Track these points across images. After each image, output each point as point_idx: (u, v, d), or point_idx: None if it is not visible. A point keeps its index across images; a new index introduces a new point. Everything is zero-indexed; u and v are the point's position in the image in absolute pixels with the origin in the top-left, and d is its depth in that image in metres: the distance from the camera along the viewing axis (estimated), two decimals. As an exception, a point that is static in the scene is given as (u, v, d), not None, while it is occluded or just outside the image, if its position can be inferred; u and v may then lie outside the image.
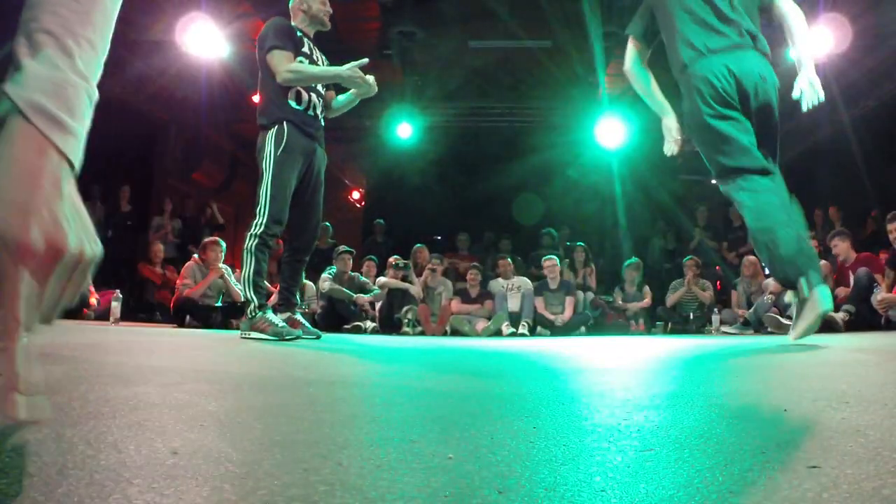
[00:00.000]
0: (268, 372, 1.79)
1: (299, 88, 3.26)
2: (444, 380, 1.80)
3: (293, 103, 3.27)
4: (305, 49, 3.36)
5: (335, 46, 9.17)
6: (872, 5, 6.99)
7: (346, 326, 6.27)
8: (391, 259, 7.20)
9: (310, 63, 3.33)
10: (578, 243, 8.22)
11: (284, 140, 3.17)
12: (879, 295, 4.98)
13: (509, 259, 7.15)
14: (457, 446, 0.82)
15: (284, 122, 3.20)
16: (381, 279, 6.89)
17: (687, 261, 7.39)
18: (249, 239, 3.22)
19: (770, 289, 5.93)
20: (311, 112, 3.33)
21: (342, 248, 6.87)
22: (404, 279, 6.84)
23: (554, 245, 8.46)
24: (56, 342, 2.17)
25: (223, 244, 5.98)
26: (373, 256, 7.61)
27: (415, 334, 6.18)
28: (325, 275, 6.64)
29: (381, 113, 9.81)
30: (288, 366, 2.05)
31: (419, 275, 7.06)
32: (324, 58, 3.51)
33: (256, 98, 3.50)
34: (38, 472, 0.62)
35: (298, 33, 3.37)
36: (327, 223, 9.63)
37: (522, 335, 6.22)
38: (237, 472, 0.66)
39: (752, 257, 7.27)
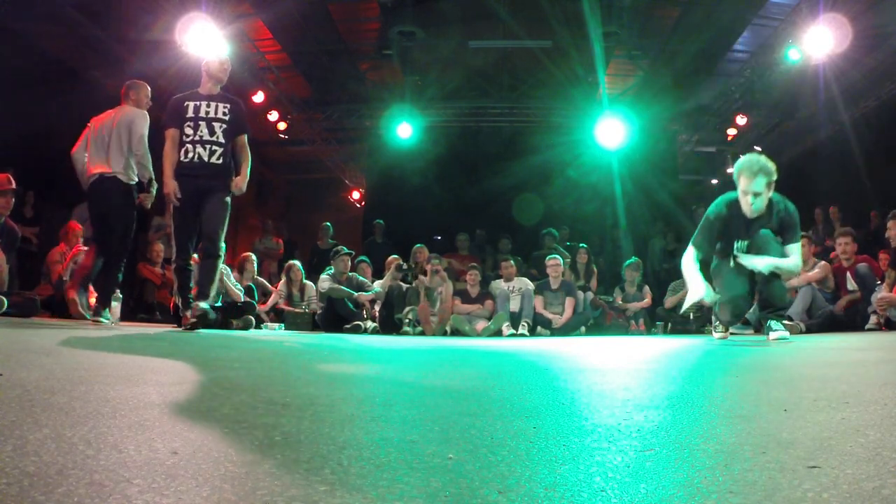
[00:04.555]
0: (268, 372, 1.79)
1: (186, 146, 4.07)
2: (443, 380, 1.80)
3: (181, 158, 4.09)
4: (190, 113, 4.11)
5: (336, 46, 9.20)
6: (872, 5, 6.99)
7: (346, 326, 6.27)
8: (389, 259, 7.19)
9: (196, 122, 4.13)
10: (581, 245, 8.20)
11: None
12: (880, 294, 4.98)
13: (512, 261, 7.14)
14: (457, 446, 0.82)
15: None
16: (380, 281, 6.91)
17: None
18: (173, 264, 4.19)
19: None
20: (196, 161, 4.05)
21: (342, 249, 6.86)
22: (405, 281, 6.84)
23: (556, 245, 8.45)
24: (56, 342, 2.17)
25: (223, 245, 5.97)
26: (364, 257, 7.58)
27: (415, 334, 6.18)
28: (324, 275, 6.63)
29: (381, 113, 9.80)
30: (288, 366, 2.05)
31: (419, 274, 7.06)
32: (220, 106, 4.20)
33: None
34: (38, 472, 0.62)
35: (187, 102, 4.16)
36: (328, 223, 9.62)
37: (522, 335, 6.21)
38: (237, 472, 0.66)
39: (752, 257, 7.25)
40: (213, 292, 4.10)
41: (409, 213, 10.04)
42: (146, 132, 4.66)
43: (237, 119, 4.23)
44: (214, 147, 4.12)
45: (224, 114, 4.19)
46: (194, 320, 3.89)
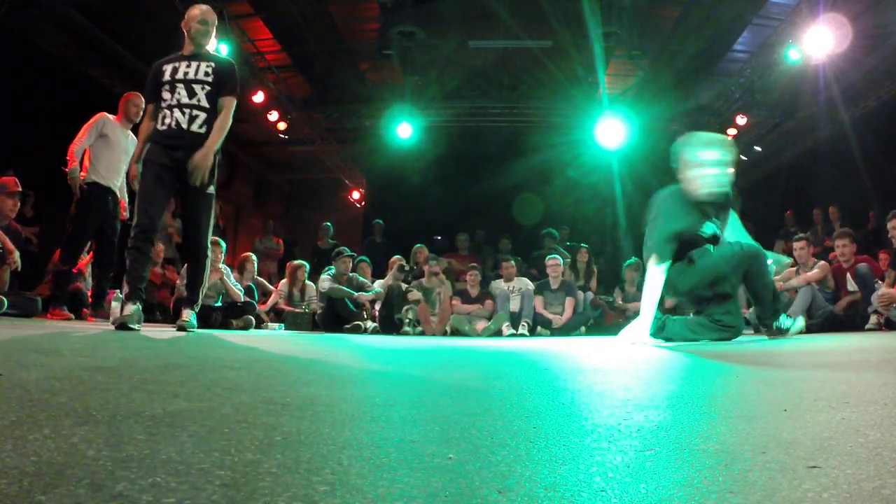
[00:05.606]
0: (268, 372, 1.79)
1: (164, 111, 3.54)
2: (443, 380, 1.80)
3: (158, 125, 3.57)
4: (167, 77, 3.56)
5: (336, 46, 9.20)
6: (872, 5, 6.99)
7: (346, 326, 6.27)
8: (392, 260, 7.20)
9: (172, 85, 3.54)
10: (582, 245, 8.20)
11: (143, 157, 3.61)
12: (880, 291, 4.98)
13: (512, 261, 7.15)
14: (457, 446, 0.82)
15: (148, 143, 3.63)
16: (381, 281, 6.91)
17: (686, 261, 7.37)
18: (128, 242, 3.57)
19: (770, 289, 5.92)
20: (174, 127, 3.50)
21: (343, 250, 6.87)
22: (405, 282, 6.85)
23: (557, 245, 8.45)
24: (56, 342, 2.17)
25: (223, 244, 5.98)
26: (364, 257, 7.60)
27: (415, 334, 6.18)
28: (324, 275, 6.64)
29: (381, 113, 9.81)
30: (288, 366, 2.05)
31: (419, 275, 7.06)
32: (203, 66, 3.58)
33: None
34: (38, 472, 0.62)
35: (165, 66, 3.60)
36: (328, 223, 9.63)
37: (522, 335, 6.21)
38: (238, 471, 0.66)
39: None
40: (201, 296, 3.75)
41: (409, 213, 10.05)
42: (81, 138, 4.75)
43: (223, 80, 3.58)
44: (195, 112, 3.49)
45: (207, 74, 3.54)
46: (176, 328, 3.53)
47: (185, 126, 3.48)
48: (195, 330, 3.56)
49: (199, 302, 3.75)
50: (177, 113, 3.48)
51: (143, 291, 3.45)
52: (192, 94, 3.50)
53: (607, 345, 3.70)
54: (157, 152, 3.50)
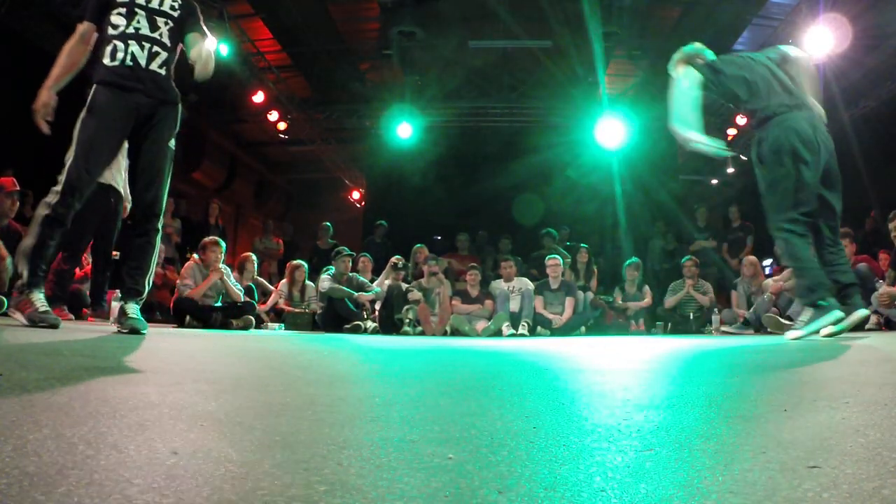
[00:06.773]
0: (267, 372, 1.79)
1: (114, 42, 2.82)
2: (443, 380, 1.80)
3: (106, 60, 2.85)
4: None
5: (336, 46, 9.20)
6: (872, 5, 6.99)
7: (346, 326, 6.27)
8: (393, 259, 7.20)
9: (130, 9, 2.85)
10: (582, 245, 8.20)
11: (89, 101, 2.86)
12: (881, 289, 4.98)
13: (512, 261, 7.15)
14: (457, 446, 0.82)
15: (94, 85, 2.87)
16: (379, 280, 6.91)
17: (685, 261, 7.38)
18: (40, 207, 2.83)
19: (770, 289, 5.92)
20: (128, 63, 2.82)
21: (343, 250, 6.88)
22: (405, 281, 6.85)
23: (556, 245, 8.45)
24: (56, 342, 2.17)
25: (223, 244, 5.97)
26: (366, 253, 7.61)
27: (415, 334, 6.18)
28: (324, 275, 6.64)
29: (381, 113, 9.81)
30: (288, 366, 2.05)
31: (419, 275, 7.06)
32: (169, 0, 2.96)
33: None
34: (38, 472, 0.62)
35: None
36: (328, 223, 9.63)
37: (522, 335, 6.21)
38: (237, 472, 0.66)
39: (752, 258, 7.25)
40: (148, 286, 2.92)
41: (409, 213, 10.05)
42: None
43: (189, 18, 2.99)
44: (156, 48, 2.85)
45: (173, 9, 2.93)
46: (124, 331, 2.71)
47: (143, 63, 2.82)
48: (146, 330, 2.76)
49: (145, 294, 2.94)
50: (133, 46, 2.82)
51: (45, 273, 2.91)
52: (153, 26, 2.87)
53: (607, 344, 3.70)
54: (107, 96, 2.82)
